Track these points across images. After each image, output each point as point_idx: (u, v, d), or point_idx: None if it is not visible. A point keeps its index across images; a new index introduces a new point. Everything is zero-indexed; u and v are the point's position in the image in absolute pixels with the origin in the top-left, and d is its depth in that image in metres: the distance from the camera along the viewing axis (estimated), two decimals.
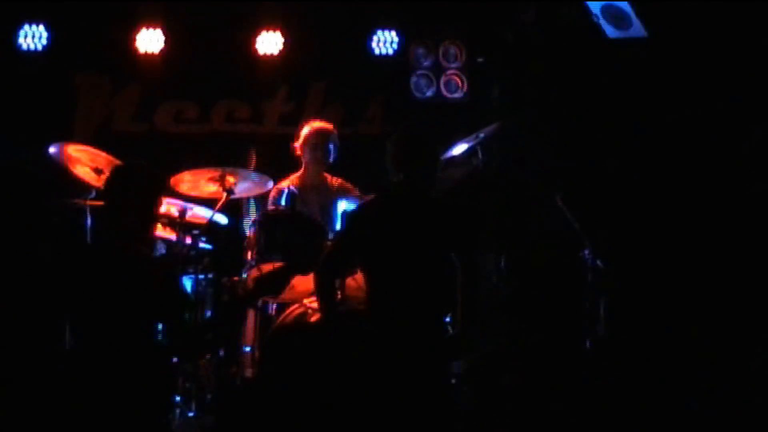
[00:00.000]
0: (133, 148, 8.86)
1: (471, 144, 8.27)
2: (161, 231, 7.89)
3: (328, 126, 8.40)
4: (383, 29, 9.83)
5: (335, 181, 8.41)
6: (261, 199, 8.48)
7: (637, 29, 9.02)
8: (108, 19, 9.42)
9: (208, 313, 7.92)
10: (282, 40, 9.67)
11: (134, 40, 9.49)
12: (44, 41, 9.40)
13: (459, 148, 8.28)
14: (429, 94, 9.88)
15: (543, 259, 9.07)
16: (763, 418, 7.47)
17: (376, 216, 6.26)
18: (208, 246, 8.09)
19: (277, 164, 8.61)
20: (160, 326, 5.57)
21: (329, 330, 6.44)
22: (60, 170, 7.86)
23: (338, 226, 7.89)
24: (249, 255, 7.64)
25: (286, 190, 8.10)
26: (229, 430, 7.27)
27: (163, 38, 9.52)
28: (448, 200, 6.56)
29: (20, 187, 9.06)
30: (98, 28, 9.39)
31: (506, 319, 8.68)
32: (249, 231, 7.74)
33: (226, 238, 8.32)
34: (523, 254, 9.00)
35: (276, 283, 5.54)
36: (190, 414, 7.58)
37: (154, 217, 5.72)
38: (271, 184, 8.07)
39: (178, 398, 7.55)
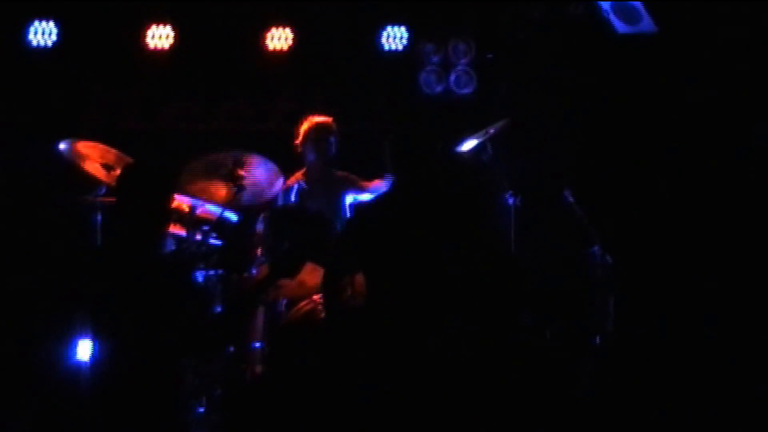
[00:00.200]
0: (141, 144, 8.86)
1: (480, 140, 8.27)
2: (171, 227, 7.90)
3: (327, 120, 8.41)
4: (392, 25, 9.83)
5: (339, 174, 8.42)
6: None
7: (647, 24, 9.01)
8: (117, 16, 9.43)
9: (218, 310, 7.92)
10: (291, 36, 9.67)
11: (143, 36, 9.51)
12: (54, 38, 9.41)
13: (468, 144, 8.28)
14: (438, 90, 9.87)
15: (552, 255, 9.06)
16: None
17: (380, 214, 6.27)
18: (217, 242, 8.09)
19: (285, 161, 8.61)
20: (172, 323, 5.57)
21: (336, 326, 6.45)
22: (69, 167, 7.87)
23: (346, 219, 7.91)
24: (258, 251, 7.66)
25: (295, 186, 8.13)
26: (238, 426, 7.28)
27: (172, 35, 9.53)
28: (449, 198, 6.55)
29: (29, 184, 9.08)
30: (108, 24, 9.40)
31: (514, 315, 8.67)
32: (258, 227, 7.75)
33: (235, 235, 8.33)
34: (532, 250, 9.00)
35: (291, 266, 5.53)
36: (200, 410, 7.59)
37: (167, 215, 5.73)
38: (280, 179, 8.09)
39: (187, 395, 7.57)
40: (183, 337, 5.46)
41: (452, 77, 9.87)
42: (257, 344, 7.77)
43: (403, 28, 9.84)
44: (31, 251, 8.90)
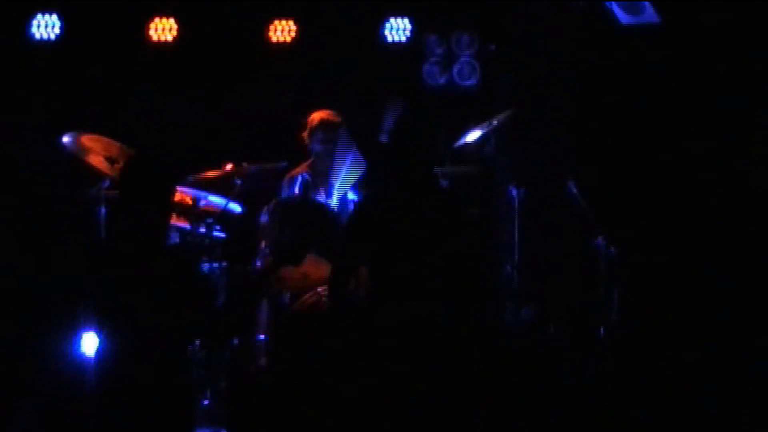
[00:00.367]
0: (145, 137, 8.86)
1: (483, 131, 8.27)
2: (175, 220, 7.91)
3: (335, 114, 8.42)
4: (396, 17, 9.82)
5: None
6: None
7: (650, 15, 9.00)
8: (120, 9, 9.42)
9: (222, 301, 7.93)
10: (294, 28, 9.66)
11: (147, 29, 9.50)
12: (57, 31, 9.40)
13: (471, 136, 8.28)
14: (441, 81, 9.86)
15: (556, 247, 9.06)
16: None
17: (382, 207, 6.28)
18: (221, 234, 8.10)
19: (290, 153, 8.61)
20: (176, 314, 5.59)
21: (341, 319, 6.45)
22: (73, 160, 7.87)
23: (351, 212, 7.92)
24: (262, 243, 7.67)
25: (299, 178, 8.14)
26: (243, 419, 7.29)
27: (175, 28, 9.53)
28: (452, 190, 6.55)
29: (33, 178, 9.08)
30: (111, 17, 9.39)
31: (519, 307, 8.68)
32: (262, 219, 7.76)
33: (240, 227, 8.33)
34: (536, 242, 9.00)
35: (294, 254, 5.53)
36: (205, 402, 7.60)
37: (169, 206, 5.73)
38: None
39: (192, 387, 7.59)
40: (187, 329, 5.47)
41: (455, 69, 9.86)
42: (261, 337, 7.79)
43: (406, 20, 9.83)
44: (35, 245, 8.90)
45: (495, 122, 8.29)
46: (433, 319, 6.11)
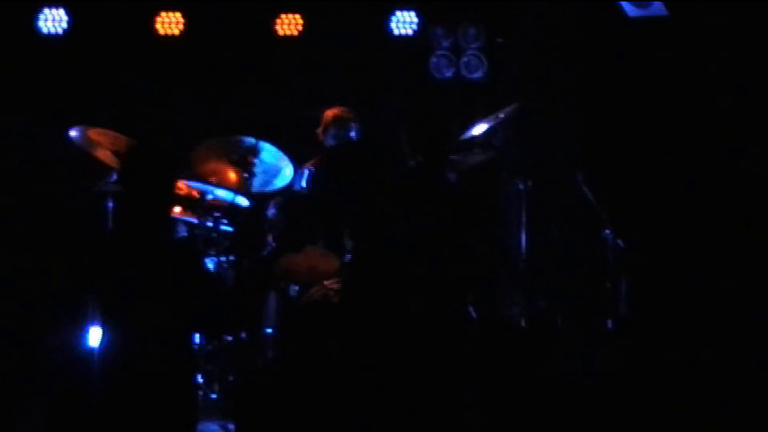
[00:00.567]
0: (152, 131, 8.87)
1: (491, 124, 8.27)
2: (182, 213, 7.93)
3: (348, 110, 8.44)
4: (402, 10, 9.81)
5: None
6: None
7: (658, 8, 8.98)
8: (127, 3, 9.43)
9: (229, 295, 7.94)
10: (301, 22, 9.67)
11: (154, 22, 9.51)
12: (64, 25, 9.42)
13: (478, 129, 8.27)
14: (448, 74, 9.85)
15: (564, 239, 9.06)
16: None
17: (396, 200, 6.28)
18: (229, 228, 8.11)
19: (297, 146, 8.61)
20: (182, 308, 5.58)
21: (351, 312, 6.45)
22: (80, 154, 7.88)
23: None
24: (269, 237, 7.69)
25: (306, 172, 8.14)
26: (250, 412, 7.29)
27: (182, 21, 9.54)
28: (463, 183, 6.56)
29: (41, 171, 9.10)
30: (118, 11, 9.41)
31: (527, 299, 8.68)
32: (269, 213, 7.77)
33: (247, 221, 8.34)
34: (544, 234, 9.00)
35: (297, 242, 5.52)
36: (213, 396, 7.61)
37: (172, 197, 5.73)
38: (290, 168, 8.12)
39: (200, 380, 7.60)
40: (194, 322, 5.47)
41: (462, 62, 9.85)
42: (269, 330, 7.80)
43: (413, 13, 9.82)
44: (42, 238, 8.92)
45: (502, 115, 8.29)
46: (438, 312, 6.11)
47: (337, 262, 7.48)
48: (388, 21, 9.81)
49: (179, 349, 5.51)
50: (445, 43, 9.86)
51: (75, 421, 5.89)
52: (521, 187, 8.62)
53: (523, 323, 8.40)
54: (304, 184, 8.30)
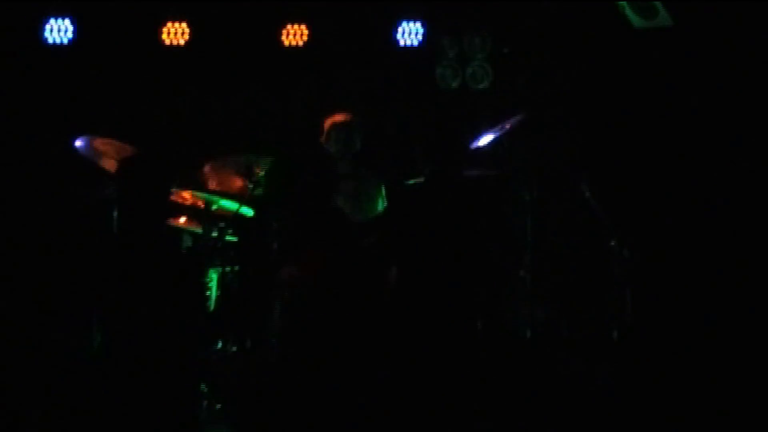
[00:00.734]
0: (159, 141, 8.88)
1: (497, 134, 8.26)
2: (187, 224, 7.93)
3: (350, 117, 8.44)
4: (408, 20, 9.81)
5: (367, 172, 8.45)
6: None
7: (663, 18, 8.98)
8: (133, 13, 9.44)
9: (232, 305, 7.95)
10: (306, 32, 9.67)
11: (160, 33, 9.52)
12: (70, 35, 9.43)
13: (485, 139, 8.27)
14: (454, 85, 9.85)
15: (570, 249, 9.04)
16: None
17: (412, 205, 6.29)
18: (233, 238, 8.10)
19: (301, 157, 8.61)
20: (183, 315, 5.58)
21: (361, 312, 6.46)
22: (86, 163, 7.88)
23: (372, 214, 7.96)
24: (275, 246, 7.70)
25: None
26: (254, 422, 7.28)
27: (188, 31, 9.54)
28: (473, 191, 6.56)
29: (46, 181, 9.10)
30: (123, 21, 9.41)
31: (532, 309, 8.66)
32: (275, 223, 7.78)
33: (252, 231, 8.33)
34: (550, 244, 8.98)
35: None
36: (217, 407, 7.60)
37: (167, 206, 5.72)
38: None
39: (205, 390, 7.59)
40: (195, 331, 5.46)
41: (468, 72, 9.85)
42: (272, 337, 7.78)
43: (418, 24, 9.82)
44: (47, 247, 8.91)
45: (508, 125, 8.28)
46: (446, 322, 6.11)
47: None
48: (394, 32, 9.81)
49: (179, 357, 5.50)
50: (451, 54, 9.86)
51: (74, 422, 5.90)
52: (527, 196, 8.60)
53: (528, 333, 8.38)
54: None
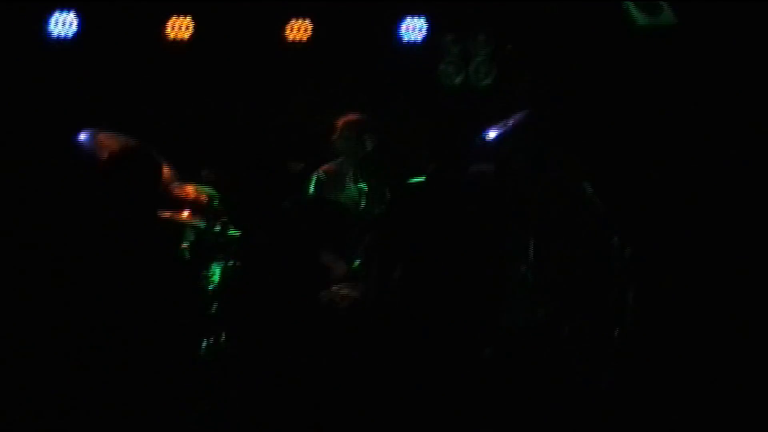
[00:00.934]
0: (161, 136, 8.87)
1: (500, 131, 8.27)
2: (190, 218, 7.94)
3: (362, 117, 8.49)
4: (411, 16, 9.82)
5: (372, 169, 8.47)
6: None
7: (668, 16, 8.99)
8: (138, 7, 9.45)
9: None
10: (310, 27, 9.68)
11: (164, 27, 9.53)
12: (74, 28, 9.44)
13: (488, 136, 8.27)
14: (458, 81, 9.86)
15: (571, 247, 9.04)
16: None
17: (416, 203, 6.31)
18: (236, 233, 8.12)
19: (305, 153, 8.64)
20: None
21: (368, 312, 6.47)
22: (90, 158, 7.89)
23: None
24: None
25: (314, 177, 8.18)
26: (254, 420, 7.30)
27: (192, 26, 9.55)
28: (478, 187, 6.57)
29: (49, 176, 9.10)
30: (128, 15, 9.42)
31: (534, 306, 8.66)
32: (277, 219, 7.80)
33: (255, 226, 8.34)
34: (552, 242, 8.98)
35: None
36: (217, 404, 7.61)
37: (155, 201, 5.73)
38: None
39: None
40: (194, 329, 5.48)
41: (472, 68, 9.85)
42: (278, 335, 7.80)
43: (422, 20, 9.82)
44: (50, 241, 8.91)
45: (511, 122, 8.28)
46: (451, 318, 6.12)
47: (344, 266, 7.49)
48: (398, 27, 9.82)
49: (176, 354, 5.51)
50: (455, 50, 9.86)
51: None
52: (530, 193, 8.60)
53: (527, 332, 8.39)
54: (312, 189, 8.34)
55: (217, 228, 7.92)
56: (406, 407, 6.06)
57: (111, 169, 5.66)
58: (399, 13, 9.82)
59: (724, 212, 8.86)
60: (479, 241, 6.24)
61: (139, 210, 5.59)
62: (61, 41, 9.43)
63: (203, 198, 7.92)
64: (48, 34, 9.41)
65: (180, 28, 9.55)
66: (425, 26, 9.83)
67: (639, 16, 9.04)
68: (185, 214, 8.00)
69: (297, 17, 9.67)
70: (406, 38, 9.84)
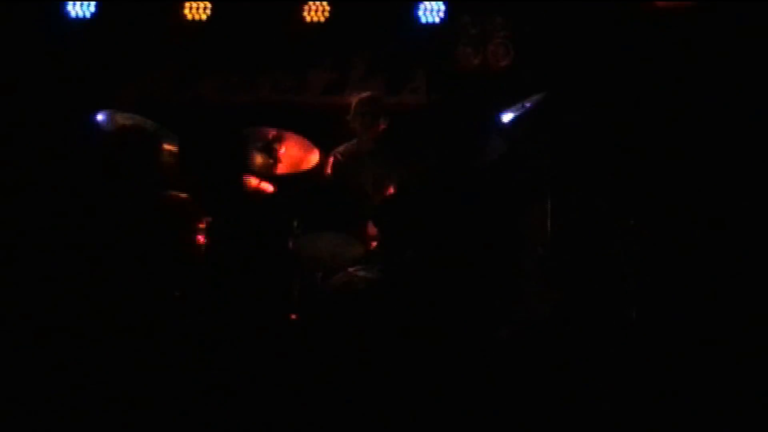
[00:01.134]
0: (179, 116, 8.90)
1: (517, 113, 8.26)
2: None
3: (375, 95, 8.51)
4: None
5: (388, 147, 8.49)
6: None
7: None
8: None
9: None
10: (328, 8, 9.67)
11: (182, 8, 9.53)
12: (92, 9, 9.45)
13: (505, 118, 8.27)
14: (475, 63, 9.83)
15: (579, 236, 9.03)
16: None
17: (428, 187, 6.32)
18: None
19: (321, 133, 8.63)
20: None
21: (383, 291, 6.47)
22: (107, 138, 7.91)
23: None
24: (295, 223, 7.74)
25: (331, 159, 8.19)
26: (275, 398, 7.31)
27: (210, 6, 9.55)
28: (491, 172, 6.57)
29: (67, 156, 9.13)
30: None
31: (551, 290, 8.67)
32: (294, 200, 7.82)
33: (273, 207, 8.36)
34: (566, 227, 8.98)
35: None
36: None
37: (156, 178, 5.73)
38: (315, 154, 8.17)
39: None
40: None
41: (490, 50, 9.83)
42: (292, 316, 7.81)
43: (440, 2, 9.80)
44: (65, 220, 8.94)
45: (528, 104, 8.28)
46: (465, 305, 6.13)
47: (360, 248, 7.49)
48: (416, 9, 9.79)
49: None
50: (473, 31, 9.84)
51: None
52: (546, 176, 8.60)
53: (541, 321, 8.40)
54: (329, 170, 8.35)
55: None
56: (420, 390, 6.07)
57: (108, 148, 5.67)
58: None
59: (738, 201, 8.83)
60: (495, 223, 6.23)
61: (133, 185, 5.60)
62: (79, 22, 9.44)
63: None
64: (66, 15, 9.43)
65: (198, 9, 9.55)
66: (443, 8, 9.80)
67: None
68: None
69: None
70: (424, 20, 9.81)
